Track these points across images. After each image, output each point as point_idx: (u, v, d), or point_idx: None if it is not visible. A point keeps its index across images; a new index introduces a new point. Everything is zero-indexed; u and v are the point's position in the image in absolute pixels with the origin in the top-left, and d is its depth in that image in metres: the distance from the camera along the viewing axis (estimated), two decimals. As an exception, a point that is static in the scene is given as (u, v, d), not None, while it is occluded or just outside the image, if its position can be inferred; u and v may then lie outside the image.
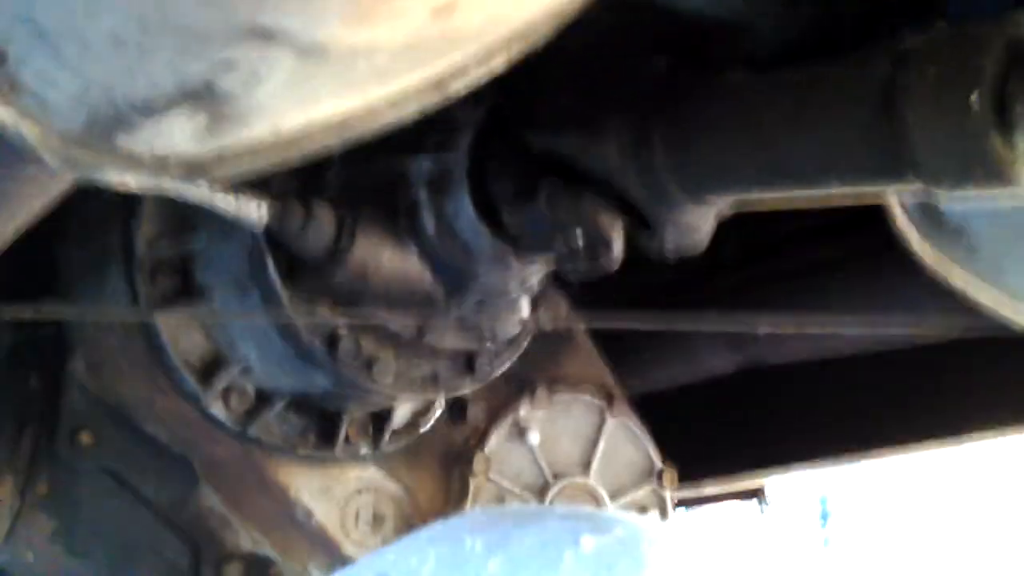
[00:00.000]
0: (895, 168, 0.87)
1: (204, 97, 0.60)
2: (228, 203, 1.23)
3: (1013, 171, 0.81)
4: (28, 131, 0.63)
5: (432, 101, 0.70)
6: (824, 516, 8.10)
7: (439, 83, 0.69)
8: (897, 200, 1.16)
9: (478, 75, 0.69)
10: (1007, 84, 0.82)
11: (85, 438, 1.53)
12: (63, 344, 1.55)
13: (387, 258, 1.35)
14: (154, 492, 1.58)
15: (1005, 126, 0.82)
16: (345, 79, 0.62)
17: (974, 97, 0.81)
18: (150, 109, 0.61)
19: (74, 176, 0.80)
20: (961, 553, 7.36)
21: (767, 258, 1.99)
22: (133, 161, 0.65)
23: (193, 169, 0.67)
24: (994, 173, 0.82)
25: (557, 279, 1.62)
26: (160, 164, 0.66)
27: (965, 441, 2.02)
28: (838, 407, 2.19)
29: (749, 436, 2.38)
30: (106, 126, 0.63)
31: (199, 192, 1.19)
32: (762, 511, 2.86)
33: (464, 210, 1.29)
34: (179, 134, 0.63)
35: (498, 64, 0.70)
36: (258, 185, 1.29)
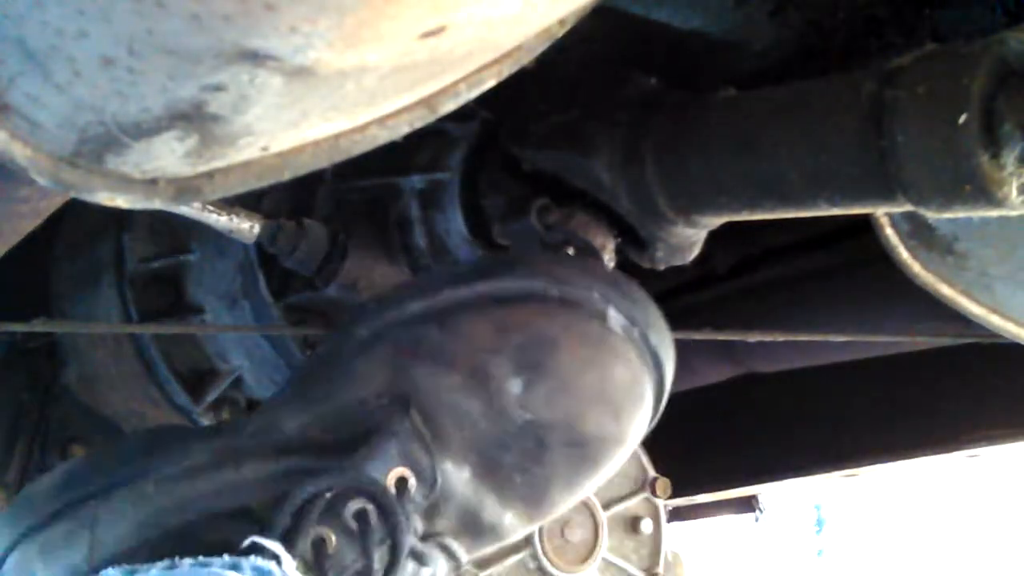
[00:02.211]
0: (884, 188, 0.86)
1: (194, 119, 0.60)
2: (220, 220, 1.23)
3: (1001, 191, 0.81)
4: (18, 152, 0.62)
5: (423, 121, 0.70)
6: (819, 523, 8.09)
7: (429, 103, 0.69)
8: (884, 212, 1.17)
9: (469, 95, 0.70)
10: (995, 103, 0.82)
11: (77, 450, 1.53)
12: (55, 356, 1.55)
13: (379, 274, 1.35)
14: (146, 504, 1.57)
15: (993, 145, 0.81)
16: (334, 101, 0.62)
17: (963, 116, 0.81)
18: (140, 131, 0.61)
19: (64, 197, 0.80)
20: (958, 561, 7.36)
21: (760, 267, 1.99)
22: (124, 182, 0.65)
23: (183, 190, 0.67)
24: (982, 193, 0.81)
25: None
26: (150, 185, 0.66)
27: (958, 450, 2.02)
28: (832, 416, 2.19)
29: (742, 446, 2.38)
30: (96, 148, 0.62)
31: (191, 209, 1.19)
32: (756, 520, 2.85)
33: (455, 226, 1.30)
34: (169, 156, 0.63)
35: (489, 83, 0.70)
36: (250, 202, 1.29)
